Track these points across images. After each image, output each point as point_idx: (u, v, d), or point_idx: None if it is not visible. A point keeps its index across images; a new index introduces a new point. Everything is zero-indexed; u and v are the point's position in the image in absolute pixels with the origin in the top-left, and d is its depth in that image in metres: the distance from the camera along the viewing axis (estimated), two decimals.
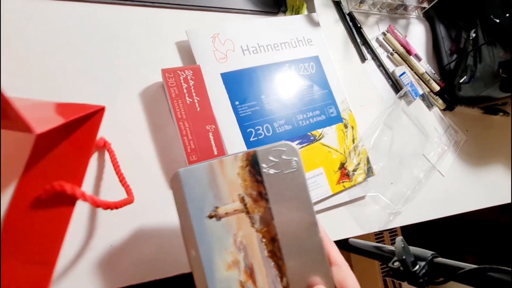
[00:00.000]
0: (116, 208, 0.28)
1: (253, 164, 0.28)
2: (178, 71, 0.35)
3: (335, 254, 0.28)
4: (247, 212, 0.27)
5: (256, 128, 0.40)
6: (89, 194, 0.27)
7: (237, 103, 0.39)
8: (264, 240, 0.27)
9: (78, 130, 0.29)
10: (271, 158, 0.28)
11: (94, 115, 0.30)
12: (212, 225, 0.27)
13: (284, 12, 0.47)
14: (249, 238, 0.27)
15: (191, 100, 0.35)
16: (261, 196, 0.27)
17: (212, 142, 0.35)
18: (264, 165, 0.28)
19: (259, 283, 0.27)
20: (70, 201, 0.28)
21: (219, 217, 0.27)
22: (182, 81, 0.35)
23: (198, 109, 0.36)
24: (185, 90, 0.35)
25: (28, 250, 0.27)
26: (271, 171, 0.28)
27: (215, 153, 0.35)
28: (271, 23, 0.44)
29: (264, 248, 0.27)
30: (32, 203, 0.28)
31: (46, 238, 0.27)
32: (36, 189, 0.28)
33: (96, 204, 0.27)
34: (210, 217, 0.27)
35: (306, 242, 0.27)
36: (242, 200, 0.27)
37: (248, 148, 0.39)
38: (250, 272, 0.27)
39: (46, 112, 0.27)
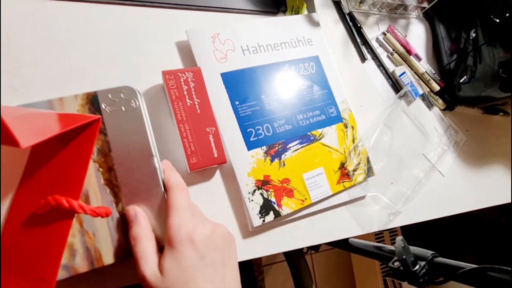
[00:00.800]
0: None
1: (93, 103, 0.29)
2: (179, 73, 0.35)
3: (174, 180, 0.30)
4: None
5: (256, 128, 0.40)
6: (88, 206, 0.27)
7: (237, 103, 0.39)
8: (101, 169, 0.29)
9: (74, 141, 0.29)
10: (110, 97, 0.30)
11: (89, 126, 0.29)
12: None
13: (284, 12, 0.48)
14: None
15: (191, 102, 0.35)
16: (100, 131, 0.29)
17: (212, 144, 0.36)
18: (103, 104, 0.29)
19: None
20: (67, 214, 0.27)
21: None
22: (182, 83, 0.35)
23: (199, 111, 0.36)
24: (185, 92, 0.35)
25: (27, 266, 0.26)
26: (110, 109, 0.30)
27: (215, 155, 0.35)
28: (271, 23, 0.44)
29: (101, 177, 0.29)
30: (28, 218, 0.27)
31: (44, 254, 0.27)
32: (33, 203, 0.27)
33: (96, 214, 0.27)
34: None
35: (141, 172, 0.29)
36: None
37: (248, 149, 0.39)
38: (85, 199, 0.29)
39: (39, 123, 0.26)
